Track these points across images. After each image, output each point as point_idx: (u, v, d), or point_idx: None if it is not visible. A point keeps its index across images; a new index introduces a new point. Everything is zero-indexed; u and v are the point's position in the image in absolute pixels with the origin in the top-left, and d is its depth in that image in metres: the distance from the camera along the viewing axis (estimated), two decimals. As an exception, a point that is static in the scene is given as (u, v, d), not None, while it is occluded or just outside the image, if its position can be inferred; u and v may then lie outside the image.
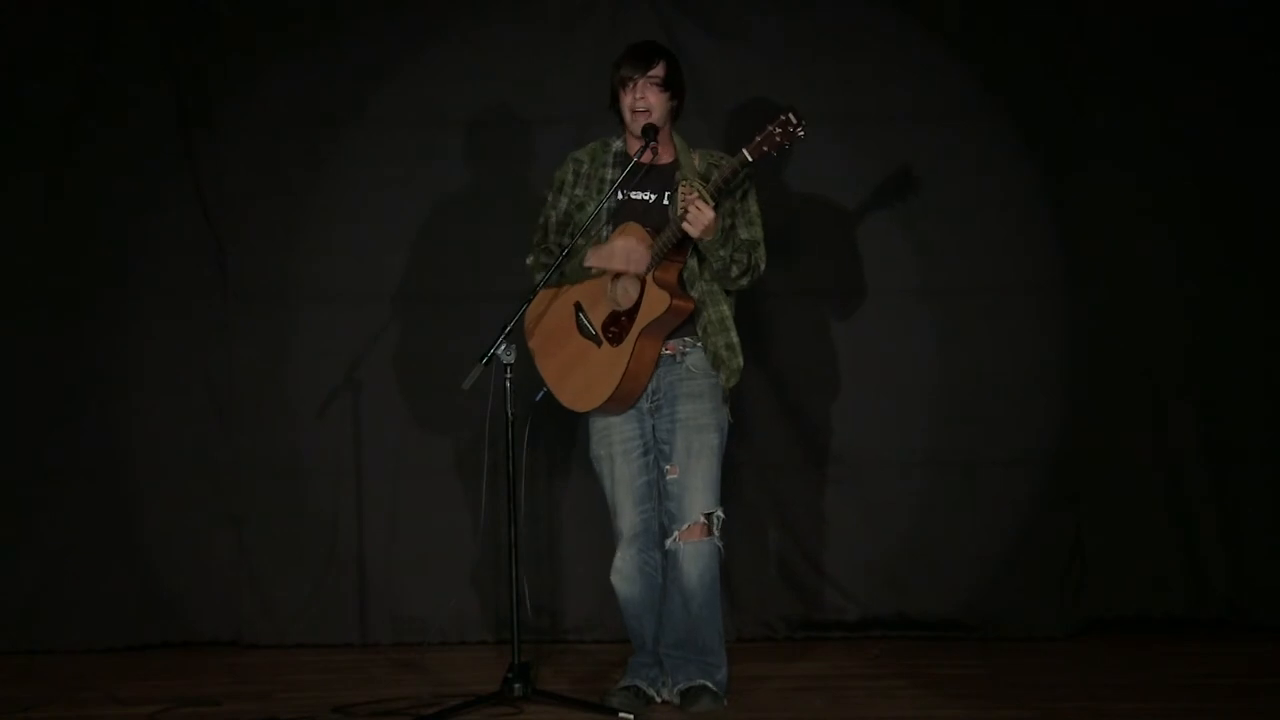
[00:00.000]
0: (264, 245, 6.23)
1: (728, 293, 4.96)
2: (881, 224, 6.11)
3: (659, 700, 4.99)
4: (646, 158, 4.87)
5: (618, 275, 4.85)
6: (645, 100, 4.86)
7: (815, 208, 6.11)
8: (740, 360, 4.94)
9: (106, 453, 6.20)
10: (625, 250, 4.82)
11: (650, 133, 4.84)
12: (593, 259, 4.88)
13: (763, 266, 4.94)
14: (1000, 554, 6.08)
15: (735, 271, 4.86)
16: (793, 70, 6.08)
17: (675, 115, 4.96)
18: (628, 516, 4.96)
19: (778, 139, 4.64)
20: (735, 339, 4.94)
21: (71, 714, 5.15)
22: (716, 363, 4.92)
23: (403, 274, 6.21)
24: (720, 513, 4.92)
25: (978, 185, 6.12)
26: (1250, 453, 6.09)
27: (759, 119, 4.70)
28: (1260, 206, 6.09)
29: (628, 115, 4.89)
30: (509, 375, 4.83)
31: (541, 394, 4.98)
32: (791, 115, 4.63)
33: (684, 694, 4.93)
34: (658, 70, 4.87)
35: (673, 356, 4.93)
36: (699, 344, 4.93)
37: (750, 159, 4.68)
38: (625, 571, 4.98)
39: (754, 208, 4.95)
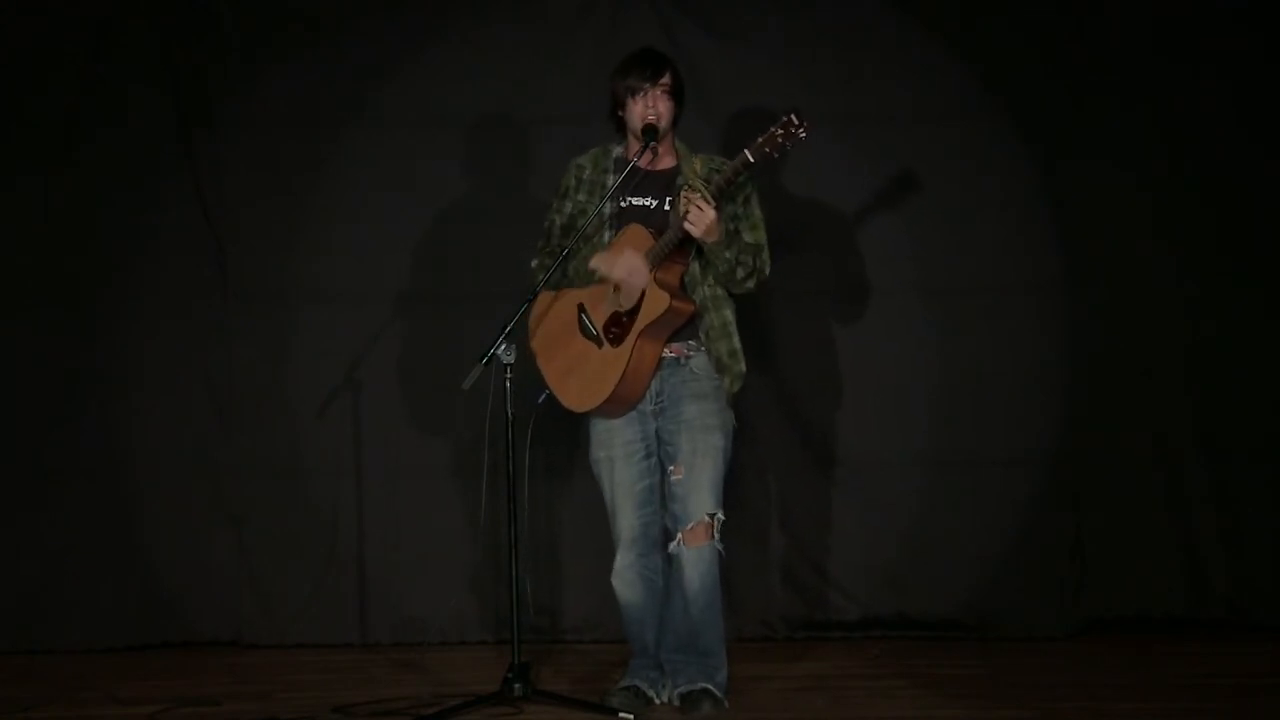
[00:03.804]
0: (264, 245, 6.23)
1: (731, 298, 4.96)
2: (881, 224, 6.11)
3: (659, 702, 4.99)
4: (646, 159, 4.87)
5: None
6: (657, 109, 4.87)
7: (815, 208, 6.11)
8: (742, 366, 4.95)
9: (106, 453, 6.20)
10: (628, 266, 4.82)
11: (650, 134, 4.85)
12: (597, 260, 4.89)
13: (768, 270, 4.94)
14: (1000, 554, 6.08)
15: (741, 274, 4.87)
16: (793, 70, 6.09)
17: (676, 121, 4.97)
18: (628, 520, 4.95)
19: (779, 140, 4.64)
20: (737, 345, 4.94)
21: (71, 714, 5.16)
22: (720, 368, 4.92)
23: (403, 274, 6.20)
24: (721, 514, 4.93)
25: (978, 185, 6.13)
26: (1250, 453, 6.09)
27: (759, 119, 4.70)
28: (1260, 206, 6.09)
29: (637, 123, 4.88)
30: (509, 375, 4.83)
31: (544, 396, 4.98)
32: (794, 116, 4.63)
33: (684, 697, 4.93)
34: (667, 79, 4.89)
35: (677, 359, 4.94)
36: (703, 348, 4.94)
37: (752, 159, 4.68)
38: (626, 576, 4.97)
39: (757, 212, 4.96)
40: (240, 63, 6.21)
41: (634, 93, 4.88)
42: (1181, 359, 6.12)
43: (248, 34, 6.21)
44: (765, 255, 4.94)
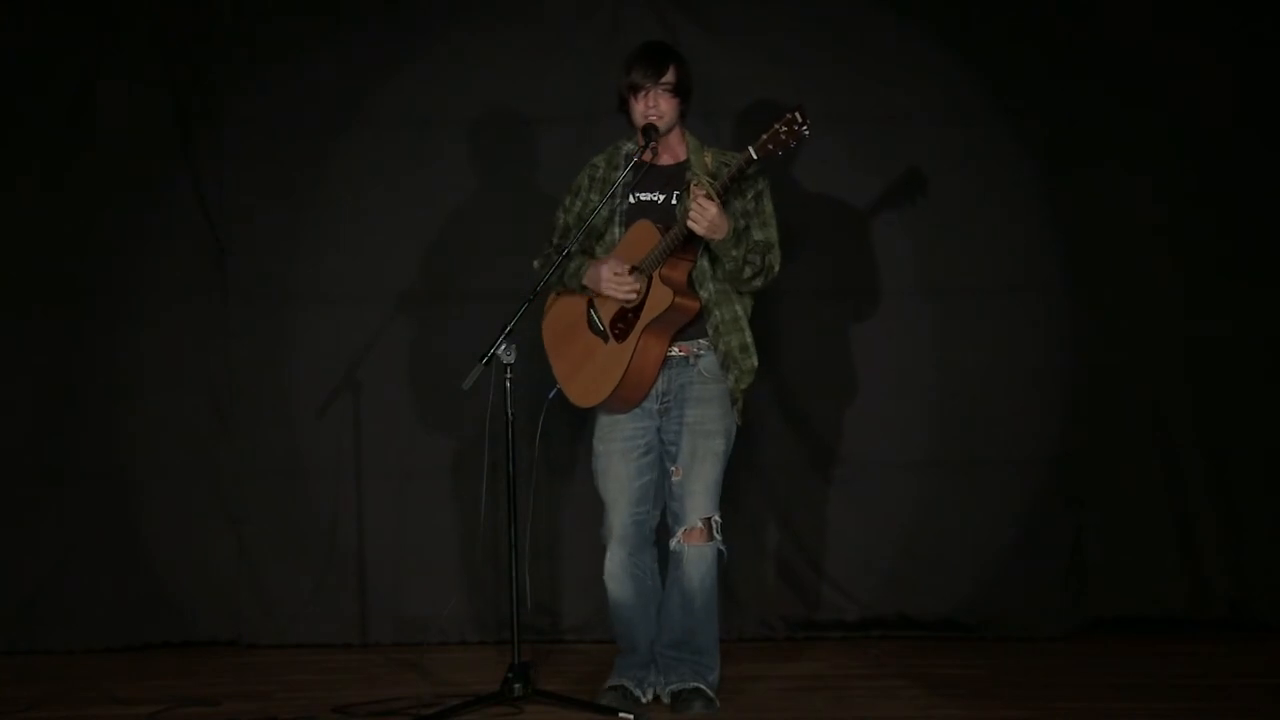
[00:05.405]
0: (264, 245, 6.23)
1: (741, 292, 4.96)
2: (881, 224, 6.11)
3: (645, 701, 4.99)
4: (646, 157, 4.88)
5: (628, 272, 4.87)
6: (658, 108, 4.87)
7: (815, 208, 6.10)
8: (754, 360, 4.94)
9: (106, 453, 6.19)
10: (610, 272, 4.84)
11: (651, 133, 4.85)
12: (588, 276, 4.90)
13: (777, 268, 4.94)
14: (1000, 554, 6.07)
15: (748, 273, 4.87)
16: (794, 70, 6.09)
17: (684, 115, 4.97)
18: (620, 516, 4.97)
19: (783, 137, 4.64)
20: (749, 339, 4.94)
21: (71, 714, 5.16)
22: (727, 363, 4.92)
23: (403, 274, 6.20)
24: (718, 517, 4.93)
25: (978, 185, 6.12)
26: (1250, 453, 6.09)
27: (760, 119, 4.72)
28: (1260, 206, 6.09)
29: (640, 121, 4.89)
30: (509, 375, 4.84)
31: (554, 391, 5.01)
32: (797, 114, 4.63)
33: (675, 695, 4.94)
34: (669, 77, 4.88)
35: (685, 359, 4.94)
36: (713, 347, 4.94)
37: (755, 157, 4.68)
38: (614, 573, 4.99)
39: (768, 208, 4.96)
40: (240, 62, 6.20)
41: (635, 91, 4.89)
42: (1181, 359, 6.12)
43: (248, 33, 6.20)
44: (775, 254, 4.94)
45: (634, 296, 4.83)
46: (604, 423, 5.02)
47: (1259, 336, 6.09)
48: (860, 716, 4.91)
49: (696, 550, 4.90)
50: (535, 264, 5.09)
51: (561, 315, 5.04)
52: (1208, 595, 6.09)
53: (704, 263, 4.90)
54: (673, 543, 4.94)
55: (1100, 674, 5.48)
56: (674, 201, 4.91)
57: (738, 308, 4.94)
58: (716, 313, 4.91)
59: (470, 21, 6.21)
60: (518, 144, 6.16)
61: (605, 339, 4.92)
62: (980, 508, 6.09)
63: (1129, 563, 6.09)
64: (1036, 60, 6.08)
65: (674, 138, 4.95)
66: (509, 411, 4.87)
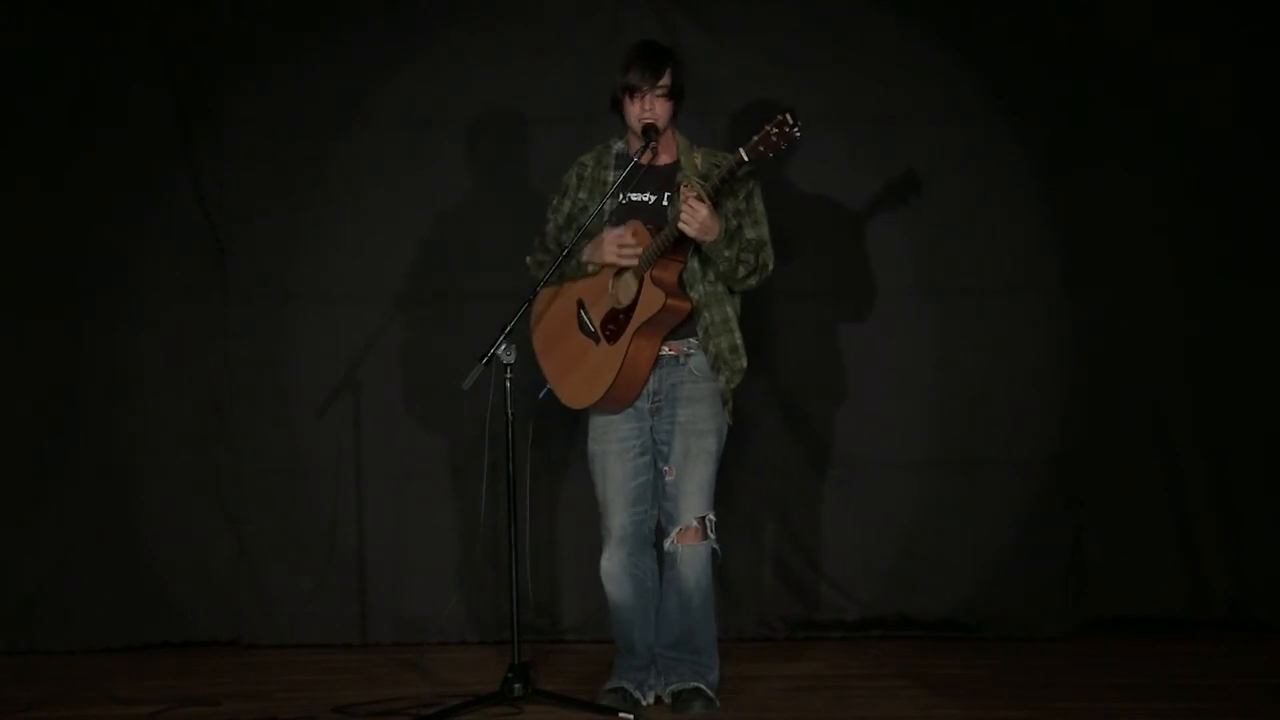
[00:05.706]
0: (264, 245, 6.23)
1: (733, 293, 4.96)
2: (881, 224, 6.11)
3: (645, 703, 4.98)
4: (646, 158, 4.87)
5: (619, 273, 4.87)
6: (653, 111, 4.85)
7: (814, 208, 6.10)
8: (743, 361, 4.94)
9: (106, 453, 6.19)
10: (613, 240, 4.83)
11: (651, 133, 4.84)
12: (587, 253, 4.90)
13: (771, 266, 4.94)
14: (1000, 554, 6.07)
15: (742, 272, 4.86)
16: (793, 70, 6.09)
17: (675, 114, 4.97)
18: (618, 517, 4.96)
19: (774, 139, 4.64)
20: (739, 340, 4.94)
21: (71, 714, 5.16)
22: (718, 364, 4.92)
23: (403, 274, 6.20)
24: (712, 516, 4.93)
25: (978, 185, 6.12)
26: (1250, 453, 6.09)
27: (759, 119, 4.70)
28: (1260, 206, 6.09)
29: (634, 123, 4.89)
30: (509, 375, 4.84)
31: (545, 391, 5.00)
32: (788, 116, 4.63)
33: (676, 695, 4.94)
34: (666, 80, 4.87)
35: (676, 358, 4.94)
36: (703, 347, 4.94)
37: (747, 159, 4.69)
38: (613, 574, 4.98)
39: (759, 207, 4.95)
40: (241, 62, 6.20)
41: (631, 93, 4.88)
42: (1181, 359, 6.12)
43: (248, 33, 6.20)
44: (768, 251, 4.93)
45: (635, 261, 4.81)
46: (598, 424, 5.01)
47: (1259, 336, 6.09)
48: (860, 716, 4.91)
49: (691, 550, 4.90)
50: (528, 260, 5.09)
51: (551, 316, 5.04)
52: (1208, 595, 6.09)
53: (694, 264, 4.90)
54: (667, 543, 4.94)
55: (1100, 674, 5.48)
56: (665, 203, 4.91)
57: (728, 309, 4.94)
58: (706, 314, 4.91)
59: (470, 21, 6.21)
60: (518, 144, 6.16)
61: (596, 340, 4.92)
62: (980, 508, 6.09)
63: (1129, 563, 6.10)
64: (1036, 60, 6.08)
65: (666, 138, 4.94)
66: (509, 411, 4.87)
